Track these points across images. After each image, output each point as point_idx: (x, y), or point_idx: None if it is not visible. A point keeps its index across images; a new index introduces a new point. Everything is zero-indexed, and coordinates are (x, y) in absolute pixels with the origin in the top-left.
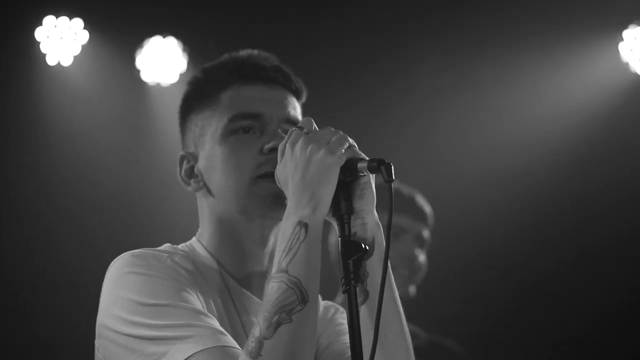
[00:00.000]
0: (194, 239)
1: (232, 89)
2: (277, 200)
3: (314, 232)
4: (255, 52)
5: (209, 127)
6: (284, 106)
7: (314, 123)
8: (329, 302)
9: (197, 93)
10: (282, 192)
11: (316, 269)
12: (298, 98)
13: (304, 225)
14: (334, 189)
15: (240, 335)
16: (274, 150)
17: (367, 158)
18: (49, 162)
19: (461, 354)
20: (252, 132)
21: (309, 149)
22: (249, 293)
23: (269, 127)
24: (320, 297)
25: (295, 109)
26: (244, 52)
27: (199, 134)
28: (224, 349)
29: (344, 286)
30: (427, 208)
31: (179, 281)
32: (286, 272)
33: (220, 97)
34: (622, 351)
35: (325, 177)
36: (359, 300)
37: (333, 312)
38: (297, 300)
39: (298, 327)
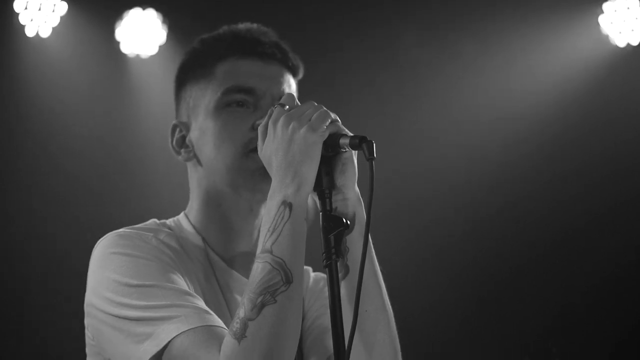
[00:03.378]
0: (182, 214)
1: (228, 62)
2: (266, 174)
3: (298, 211)
4: (255, 25)
5: (203, 99)
6: (278, 83)
7: (296, 99)
8: (320, 274)
9: (194, 63)
10: None
11: (301, 248)
12: (294, 75)
13: (288, 204)
14: (317, 167)
15: (224, 313)
16: None
17: (350, 134)
18: (28, 135)
19: None
20: (245, 107)
21: (290, 127)
22: (233, 271)
23: (262, 102)
24: (310, 269)
25: (290, 86)
26: (242, 25)
27: (192, 104)
28: (209, 329)
29: (324, 261)
30: None
31: (163, 261)
32: (270, 252)
33: (215, 70)
34: (609, 329)
35: (307, 155)
36: (340, 275)
37: (323, 284)
38: (282, 280)
39: (282, 308)
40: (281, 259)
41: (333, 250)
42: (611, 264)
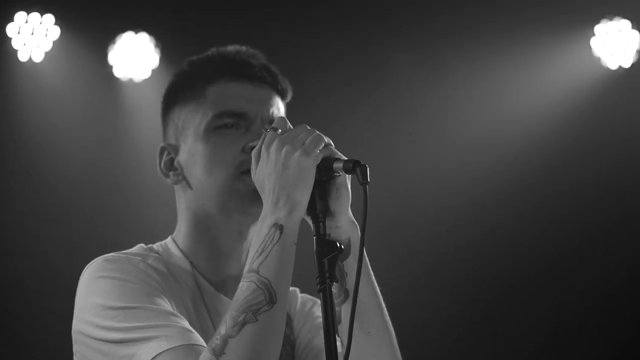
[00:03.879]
0: (169, 238)
1: (218, 84)
2: (257, 197)
3: (288, 235)
4: (243, 48)
5: (193, 121)
6: (268, 105)
7: (288, 122)
8: (307, 296)
9: (183, 85)
10: None
11: (287, 271)
12: (283, 98)
13: (279, 227)
14: (311, 191)
15: None
16: None
17: (344, 158)
18: (21, 159)
19: None
20: (235, 129)
21: (284, 151)
22: (222, 295)
23: (253, 125)
24: (298, 290)
25: (279, 109)
26: (231, 48)
27: (181, 126)
28: (190, 347)
29: (318, 285)
30: None
31: (150, 285)
32: (257, 272)
33: (206, 92)
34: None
35: (301, 180)
36: (340, 299)
37: (310, 306)
38: (265, 300)
39: (264, 327)
40: (267, 279)
41: (327, 274)
42: (603, 282)
